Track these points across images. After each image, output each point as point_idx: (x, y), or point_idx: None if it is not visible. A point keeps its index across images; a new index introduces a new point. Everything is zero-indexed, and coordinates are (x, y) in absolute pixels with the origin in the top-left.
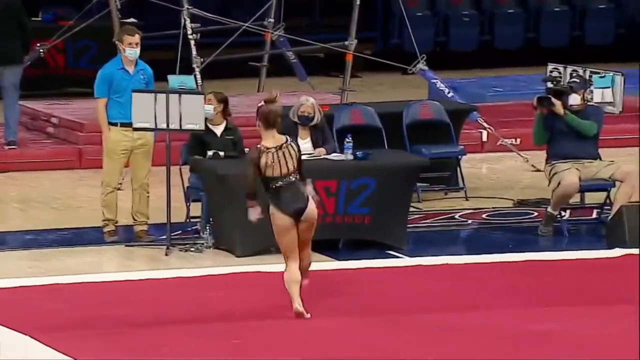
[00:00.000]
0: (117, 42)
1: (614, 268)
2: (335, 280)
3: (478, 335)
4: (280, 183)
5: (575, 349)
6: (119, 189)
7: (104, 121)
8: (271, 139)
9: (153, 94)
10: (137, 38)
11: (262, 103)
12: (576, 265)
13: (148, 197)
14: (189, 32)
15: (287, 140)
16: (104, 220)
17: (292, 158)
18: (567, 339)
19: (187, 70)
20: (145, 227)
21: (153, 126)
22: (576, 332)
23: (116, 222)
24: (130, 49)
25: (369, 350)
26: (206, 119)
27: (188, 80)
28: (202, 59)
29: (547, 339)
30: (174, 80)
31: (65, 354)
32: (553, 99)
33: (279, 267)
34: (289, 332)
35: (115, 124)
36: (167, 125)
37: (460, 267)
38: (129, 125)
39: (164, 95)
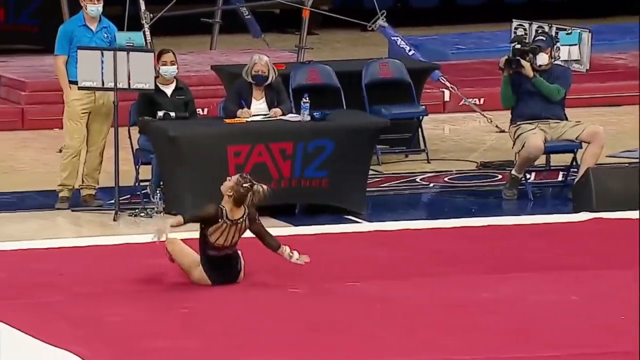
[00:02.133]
0: None
1: (580, 233)
2: (292, 246)
3: (432, 302)
4: (216, 253)
5: (533, 315)
6: (59, 151)
7: (63, 80)
8: (234, 209)
9: (99, 52)
10: None
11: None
12: (541, 230)
13: (101, 161)
14: None
15: (243, 215)
16: (60, 185)
17: (239, 233)
18: (527, 305)
19: (136, 26)
20: (92, 192)
21: (100, 85)
22: (537, 298)
23: (72, 188)
24: (92, 5)
25: (304, 322)
26: (156, 77)
27: (136, 37)
28: (151, 15)
29: (505, 306)
30: (122, 37)
31: (7, 324)
32: (522, 61)
33: None
34: (236, 301)
35: (75, 83)
36: (115, 85)
37: (421, 233)
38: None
39: (111, 52)
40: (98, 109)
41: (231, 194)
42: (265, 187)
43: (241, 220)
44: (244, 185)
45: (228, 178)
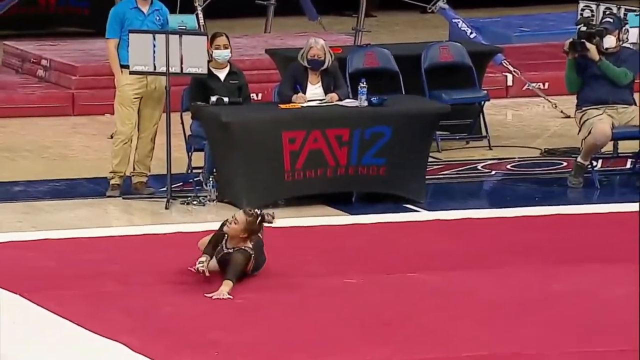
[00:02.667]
0: None
1: None
2: (348, 236)
3: (497, 294)
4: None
5: (605, 307)
6: (110, 137)
7: (115, 63)
8: (248, 241)
9: (151, 35)
10: None
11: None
12: (608, 220)
13: (153, 148)
14: None
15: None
16: (111, 172)
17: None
18: (598, 297)
19: (188, 9)
20: (144, 179)
21: (152, 69)
22: (607, 290)
23: (124, 176)
24: None
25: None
26: (209, 62)
27: (189, 20)
28: None
29: (576, 298)
30: (174, 19)
31: (58, 314)
32: (587, 44)
33: (287, 221)
34: (293, 291)
35: (127, 67)
36: (167, 69)
37: (482, 222)
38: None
39: (163, 36)
40: (150, 94)
41: (246, 235)
42: (270, 211)
43: (253, 238)
44: (257, 220)
45: (232, 221)
